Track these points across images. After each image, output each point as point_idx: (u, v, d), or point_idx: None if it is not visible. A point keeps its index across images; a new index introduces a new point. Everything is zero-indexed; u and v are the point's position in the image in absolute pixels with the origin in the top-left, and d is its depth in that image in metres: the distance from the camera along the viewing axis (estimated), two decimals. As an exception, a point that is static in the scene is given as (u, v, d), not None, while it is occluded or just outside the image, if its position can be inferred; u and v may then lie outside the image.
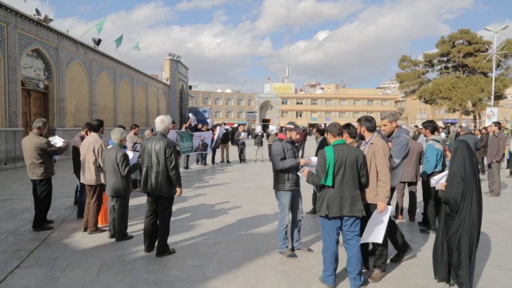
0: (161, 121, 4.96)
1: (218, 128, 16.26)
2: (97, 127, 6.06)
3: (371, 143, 4.17)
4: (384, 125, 4.93)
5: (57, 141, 6.67)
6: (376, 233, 4.06)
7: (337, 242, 3.99)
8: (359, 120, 4.52)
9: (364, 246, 4.28)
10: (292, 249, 5.05)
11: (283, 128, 5.72)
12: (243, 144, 16.95)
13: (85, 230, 5.85)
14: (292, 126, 5.04)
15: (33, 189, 6.07)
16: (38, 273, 4.30)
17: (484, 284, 4.06)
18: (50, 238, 5.62)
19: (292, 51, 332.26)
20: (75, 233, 5.84)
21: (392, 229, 4.60)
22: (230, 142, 17.47)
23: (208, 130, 15.98)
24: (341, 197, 3.84)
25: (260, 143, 17.44)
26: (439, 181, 4.33)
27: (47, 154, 6.00)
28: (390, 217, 4.53)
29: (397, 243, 4.67)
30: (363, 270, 4.24)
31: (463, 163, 3.81)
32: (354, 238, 3.91)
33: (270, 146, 17.61)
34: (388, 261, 4.55)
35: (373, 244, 4.31)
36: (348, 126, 4.51)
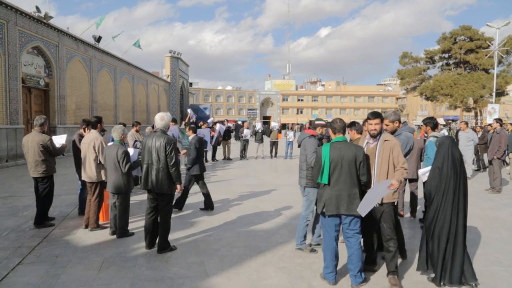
0: (160, 118, 4.96)
1: (217, 125, 16.24)
2: (95, 123, 6.06)
3: (386, 140, 4.05)
4: (386, 125, 4.81)
5: (58, 140, 6.67)
6: (365, 206, 3.80)
7: (337, 239, 3.99)
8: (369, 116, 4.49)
9: (371, 245, 4.29)
10: (310, 244, 5.07)
11: (307, 124, 5.91)
12: (246, 141, 16.93)
13: (86, 227, 5.87)
14: (323, 123, 5.23)
15: (34, 186, 6.08)
16: (39, 270, 4.32)
17: (485, 280, 4.06)
18: (51, 235, 5.63)
19: (294, 48, 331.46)
20: (76, 230, 5.85)
21: (398, 228, 4.62)
22: (234, 138, 17.50)
23: (208, 127, 15.95)
24: (337, 195, 3.82)
25: (260, 140, 17.42)
26: (425, 174, 4.47)
27: (49, 152, 6.01)
28: (396, 218, 4.55)
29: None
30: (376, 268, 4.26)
31: (442, 159, 3.94)
32: (354, 236, 3.90)
33: (273, 143, 17.62)
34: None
35: (379, 241, 4.30)
36: (353, 124, 4.65)
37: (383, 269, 4.38)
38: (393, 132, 4.83)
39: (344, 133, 4.10)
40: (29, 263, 4.56)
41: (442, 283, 3.88)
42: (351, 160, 3.82)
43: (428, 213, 4.05)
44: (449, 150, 3.94)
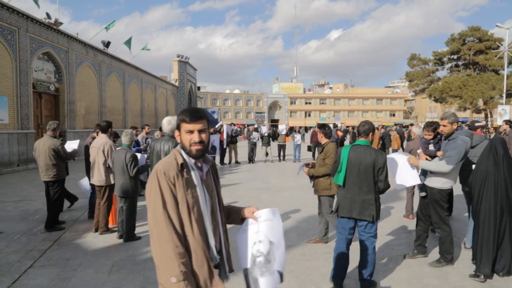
0: (168, 122, 4.99)
1: (225, 126, 16.14)
2: (105, 128, 6.13)
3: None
4: (444, 126, 4.34)
5: (70, 145, 6.77)
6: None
7: (349, 243, 3.92)
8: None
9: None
10: None
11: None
12: (254, 144, 16.91)
13: (96, 230, 5.92)
14: (481, 124, 5.26)
15: (45, 190, 6.16)
16: (50, 273, 4.37)
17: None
18: (62, 238, 5.69)
19: (304, 51, 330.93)
20: (86, 234, 5.91)
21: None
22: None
23: (216, 131, 15.93)
24: (351, 198, 3.75)
25: (267, 143, 17.37)
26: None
27: (59, 156, 6.09)
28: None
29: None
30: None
31: (482, 157, 4.22)
32: (369, 239, 3.80)
33: (280, 146, 17.54)
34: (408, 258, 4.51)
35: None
36: (323, 126, 4.86)
37: (387, 272, 4.35)
38: (449, 135, 4.37)
39: (367, 137, 3.87)
40: (40, 266, 4.62)
41: (480, 275, 4.03)
42: (369, 166, 3.68)
43: (472, 208, 4.36)
44: (492, 149, 4.14)
